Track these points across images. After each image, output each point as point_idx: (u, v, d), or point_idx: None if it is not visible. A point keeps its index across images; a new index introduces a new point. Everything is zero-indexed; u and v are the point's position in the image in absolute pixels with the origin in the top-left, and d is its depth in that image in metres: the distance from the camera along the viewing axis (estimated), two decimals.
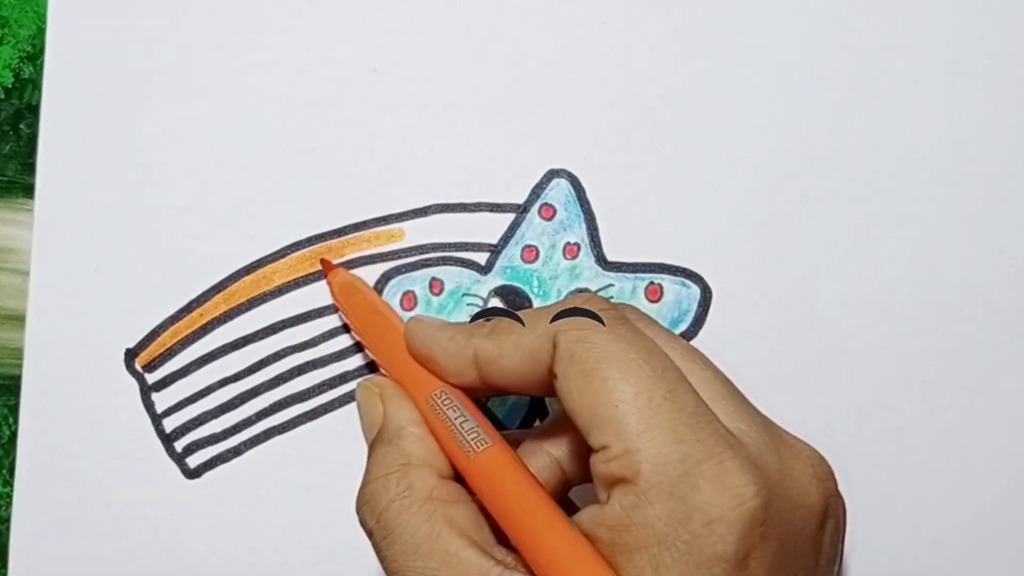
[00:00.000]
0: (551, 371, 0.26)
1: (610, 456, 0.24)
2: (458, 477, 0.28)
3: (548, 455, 0.28)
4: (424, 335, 0.29)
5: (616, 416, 0.24)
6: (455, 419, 0.28)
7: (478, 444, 0.27)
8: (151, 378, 0.35)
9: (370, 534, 0.27)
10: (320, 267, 0.35)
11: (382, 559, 0.27)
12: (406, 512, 0.26)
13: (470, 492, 0.27)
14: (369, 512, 0.27)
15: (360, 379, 0.32)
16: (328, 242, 0.35)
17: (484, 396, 0.33)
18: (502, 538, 0.26)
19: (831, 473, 0.26)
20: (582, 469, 0.28)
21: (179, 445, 0.35)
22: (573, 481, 0.29)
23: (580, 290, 0.35)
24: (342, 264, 0.35)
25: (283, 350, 0.35)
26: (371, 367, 0.34)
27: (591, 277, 0.35)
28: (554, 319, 0.26)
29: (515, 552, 0.26)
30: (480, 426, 0.27)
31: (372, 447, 0.29)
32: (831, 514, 0.26)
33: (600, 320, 0.26)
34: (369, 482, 0.28)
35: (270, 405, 0.35)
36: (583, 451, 0.27)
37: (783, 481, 0.25)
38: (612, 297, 0.35)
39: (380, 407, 0.29)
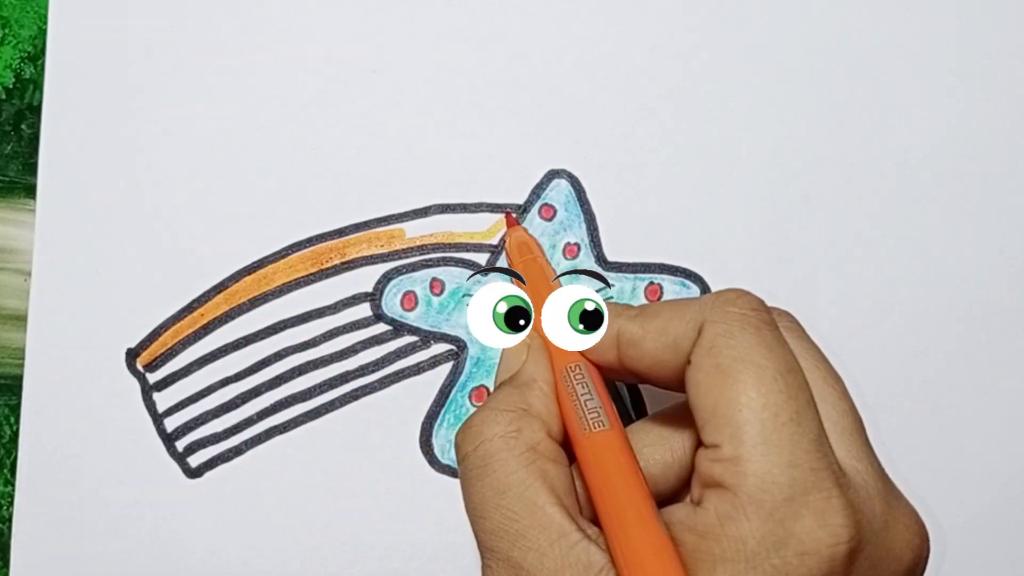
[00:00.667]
0: (688, 359, 0.26)
1: (719, 456, 0.24)
2: (567, 450, 0.28)
3: (665, 451, 0.28)
4: None
5: (738, 420, 0.24)
6: (582, 395, 0.28)
7: (596, 424, 0.27)
8: (152, 378, 0.35)
9: (463, 460, 0.27)
10: (323, 267, 0.35)
11: (466, 489, 0.27)
12: (507, 451, 0.26)
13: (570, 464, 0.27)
14: (471, 438, 0.27)
15: None
16: (329, 242, 0.35)
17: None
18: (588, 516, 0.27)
19: (928, 538, 0.26)
20: (688, 475, 0.28)
21: (180, 444, 0.35)
22: (678, 485, 0.28)
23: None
24: (344, 264, 0.35)
25: (284, 350, 0.35)
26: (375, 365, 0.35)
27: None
28: (702, 309, 0.26)
29: (599, 529, 0.26)
30: (603, 407, 0.27)
31: (499, 386, 0.29)
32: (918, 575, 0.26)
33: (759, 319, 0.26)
34: (483, 410, 0.28)
35: (271, 405, 0.35)
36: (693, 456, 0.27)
37: (884, 531, 0.25)
38: (611, 297, 0.35)
39: (523, 356, 0.30)
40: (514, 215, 0.35)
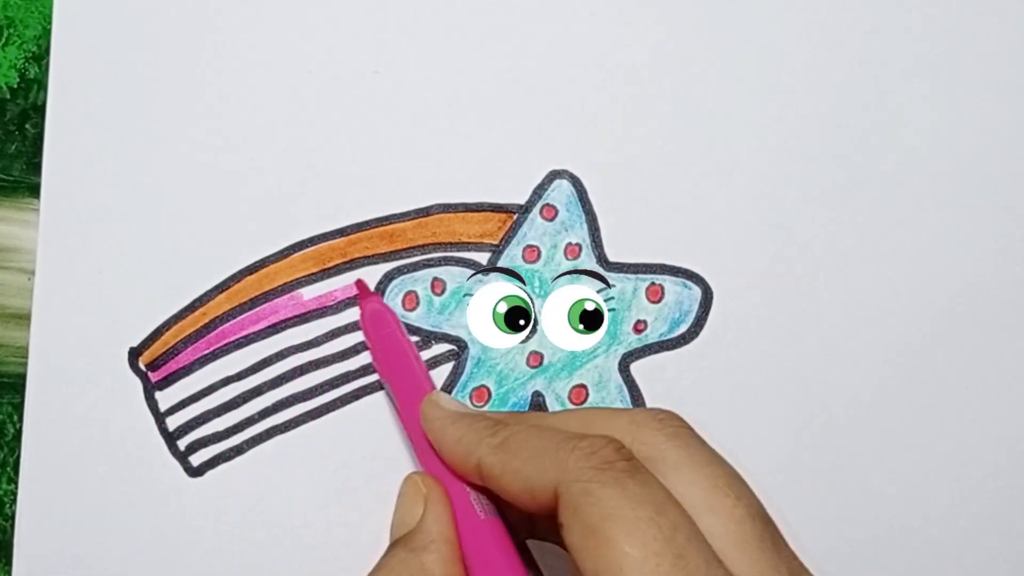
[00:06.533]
0: (555, 516, 0.25)
1: None
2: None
3: None
4: (435, 424, 0.28)
5: None
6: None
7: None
8: (154, 377, 0.35)
9: None
10: (325, 266, 0.35)
11: None
12: None
13: None
14: None
15: (411, 472, 0.30)
16: (330, 242, 0.35)
17: None
18: None
19: None
20: None
21: (182, 444, 0.35)
22: None
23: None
24: (346, 263, 0.35)
25: (285, 349, 0.35)
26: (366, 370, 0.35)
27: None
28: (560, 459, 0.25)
29: None
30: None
31: (394, 545, 0.28)
32: None
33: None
34: None
35: (272, 404, 0.35)
36: None
37: None
38: (613, 298, 0.35)
39: (419, 510, 0.28)
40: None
